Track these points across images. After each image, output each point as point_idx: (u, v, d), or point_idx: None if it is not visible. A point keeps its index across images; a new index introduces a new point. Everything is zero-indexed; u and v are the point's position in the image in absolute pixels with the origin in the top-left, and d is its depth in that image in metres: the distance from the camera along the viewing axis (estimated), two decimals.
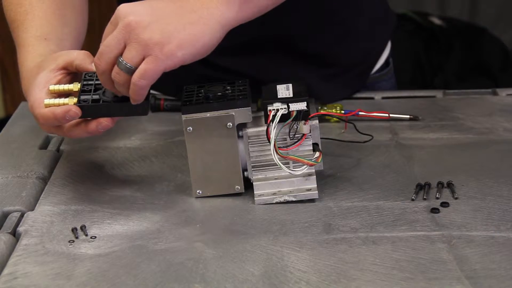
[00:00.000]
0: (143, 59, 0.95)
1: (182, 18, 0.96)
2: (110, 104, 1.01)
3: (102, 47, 0.96)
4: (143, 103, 1.00)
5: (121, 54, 0.96)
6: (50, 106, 1.01)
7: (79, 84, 1.04)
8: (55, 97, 1.03)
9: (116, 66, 0.96)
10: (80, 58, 1.05)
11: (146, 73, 0.95)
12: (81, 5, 1.23)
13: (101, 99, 1.02)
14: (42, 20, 1.15)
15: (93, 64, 1.02)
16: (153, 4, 0.97)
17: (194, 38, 0.96)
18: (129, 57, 0.95)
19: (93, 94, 1.02)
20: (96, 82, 1.03)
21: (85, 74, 1.05)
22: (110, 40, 0.96)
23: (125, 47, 0.95)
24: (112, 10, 1.45)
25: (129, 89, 0.97)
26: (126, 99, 1.00)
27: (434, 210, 1.01)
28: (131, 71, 0.96)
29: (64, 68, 1.06)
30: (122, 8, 0.96)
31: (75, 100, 1.02)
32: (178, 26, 0.95)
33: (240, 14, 0.99)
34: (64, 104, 1.01)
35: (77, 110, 1.00)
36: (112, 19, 0.97)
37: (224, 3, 0.97)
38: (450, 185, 1.06)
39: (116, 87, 0.98)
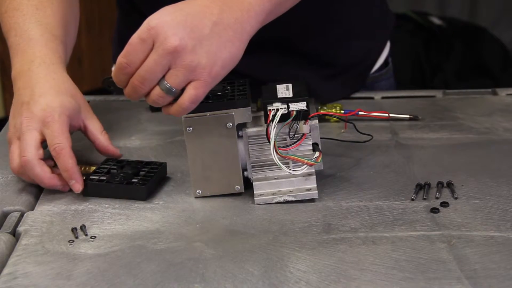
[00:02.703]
0: (189, 82, 0.95)
1: (221, 37, 0.95)
2: (112, 186, 1.06)
3: (144, 72, 0.94)
4: (144, 189, 1.05)
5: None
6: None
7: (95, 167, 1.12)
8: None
9: (158, 89, 0.96)
10: (104, 137, 1.13)
11: (197, 98, 0.96)
12: (76, 17, 1.23)
13: (106, 180, 1.07)
14: (54, 20, 1.15)
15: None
16: (187, 21, 0.94)
17: (233, 55, 0.97)
18: (176, 82, 0.95)
19: (101, 176, 1.08)
20: (112, 169, 1.10)
21: (105, 161, 1.12)
22: (153, 66, 0.94)
23: (167, 71, 0.95)
24: (112, 10, 1.45)
25: (173, 110, 0.97)
26: (128, 182, 1.06)
27: (434, 210, 1.01)
28: (176, 94, 0.96)
29: (79, 126, 1.12)
30: (160, 28, 0.93)
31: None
32: (219, 46, 0.95)
33: (263, 24, 1.01)
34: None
35: (80, 187, 1.06)
36: (144, 35, 0.94)
37: (252, 16, 0.98)
38: (450, 185, 1.06)
39: (152, 104, 0.98)
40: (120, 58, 0.96)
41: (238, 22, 0.97)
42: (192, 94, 0.95)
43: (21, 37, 1.13)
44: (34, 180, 1.06)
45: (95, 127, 1.12)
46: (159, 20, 0.94)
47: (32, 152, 1.04)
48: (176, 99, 0.97)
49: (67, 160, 1.04)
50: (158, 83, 0.95)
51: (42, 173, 1.05)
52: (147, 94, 0.97)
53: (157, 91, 0.96)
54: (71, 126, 1.09)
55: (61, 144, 1.05)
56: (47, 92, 1.08)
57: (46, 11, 1.15)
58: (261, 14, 0.99)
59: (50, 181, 1.05)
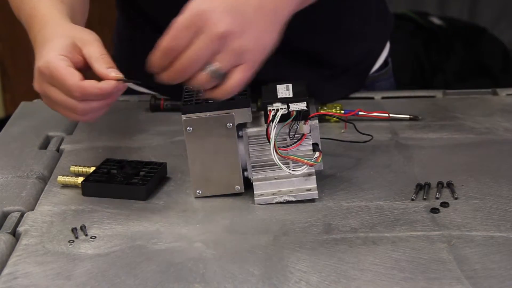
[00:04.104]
0: (235, 67, 0.95)
1: (263, 22, 0.96)
2: (112, 186, 1.06)
3: (193, 56, 0.94)
4: (144, 189, 1.05)
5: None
6: (61, 183, 1.09)
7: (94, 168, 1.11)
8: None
9: (204, 74, 0.95)
10: (99, 62, 1.03)
11: (242, 81, 0.96)
12: None
13: (106, 180, 1.07)
14: None
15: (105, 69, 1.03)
16: (233, 5, 0.95)
17: (273, 40, 0.98)
18: (224, 66, 0.94)
19: (101, 176, 1.08)
20: (112, 170, 1.09)
21: (104, 162, 1.11)
22: (203, 50, 0.93)
23: (216, 54, 0.95)
24: (112, 10, 1.45)
25: (218, 93, 0.97)
26: (129, 183, 1.06)
27: (434, 210, 1.01)
28: (222, 78, 0.95)
29: (79, 53, 1.04)
30: (207, 13, 0.93)
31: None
32: (262, 31, 0.96)
33: (295, 11, 1.01)
34: (74, 183, 1.08)
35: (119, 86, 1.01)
36: (191, 20, 0.94)
37: (289, 4, 1.00)
38: (450, 185, 1.06)
39: (194, 87, 0.98)
40: (165, 43, 0.95)
41: (277, 8, 0.98)
42: (239, 78, 0.95)
43: (26, 11, 1.13)
44: (60, 88, 1.01)
45: (90, 54, 1.03)
46: (206, 5, 0.94)
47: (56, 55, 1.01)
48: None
49: (89, 83, 1.00)
50: (204, 67, 0.95)
51: (66, 69, 1.00)
52: (190, 78, 0.96)
53: (203, 74, 0.95)
54: (74, 62, 1.03)
55: (73, 86, 1.00)
56: (39, 51, 1.04)
57: None
58: (295, 3, 1.00)
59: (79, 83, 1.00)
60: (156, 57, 0.96)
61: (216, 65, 0.94)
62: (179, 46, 0.94)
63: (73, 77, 0.99)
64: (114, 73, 1.02)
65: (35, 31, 1.08)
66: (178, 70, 0.95)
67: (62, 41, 1.03)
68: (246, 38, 0.94)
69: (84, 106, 1.01)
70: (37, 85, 1.04)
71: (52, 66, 1.00)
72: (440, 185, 1.06)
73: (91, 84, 1.00)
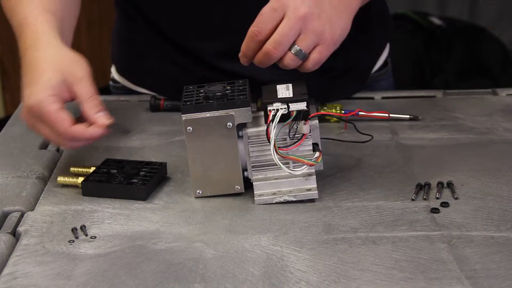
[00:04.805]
0: (314, 47, 1.05)
1: (337, 9, 1.07)
2: (112, 186, 1.06)
3: (279, 36, 1.03)
4: (144, 189, 1.05)
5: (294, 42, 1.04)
6: (61, 183, 1.09)
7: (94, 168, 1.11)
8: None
9: (290, 53, 1.04)
10: (89, 104, 1.07)
11: (321, 60, 1.06)
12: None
13: (106, 180, 1.07)
14: None
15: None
16: None
17: (347, 26, 1.08)
18: (305, 46, 1.04)
19: (101, 176, 1.08)
20: (112, 170, 1.09)
21: (104, 162, 1.11)
22: (288, 31, 1.03)
23: (298, 35, 1.04)
24: (112, 10, 1.45)
25: (300, 69, 1.07)
26: (128, 182, 1.06)
27: (434, 210, 1.01)
28: (306, 57, 1.05)
29: (69, 90, 1.07)
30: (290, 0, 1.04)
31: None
32: (337, 16, 1.06)
33: (362, 4, 1.12)
34: (75, 183, 1.08)
35: (98, 133, 1.06)
36: (276, 5, 1.04)
37: None
38: (450, 185, 1.06)
39: (282, 67, 1.06)
40: (252, 28, 1.05)
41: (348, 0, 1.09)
42: (316, 58, 1.05)
43: (17, 18, 1.15)
44: (50, 128, 1.05)
45: (80, 94, 1.08)
46: None
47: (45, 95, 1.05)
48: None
49: (77, 128, 1.05)
50: (290, 47, 1.04)
51: (58, 113, 1.05)
52: (279, 59, 1.05)
53: (289, 54, 1.04)
54: (62, 99, 1.07)
55: (63, 131, 1.05)
56: (30, 82, 1.07)
57: None
58: None
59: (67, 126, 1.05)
60: (246, 43, 1.06)
61: (299, 45, 1.04)
62: (265, 29, 1.04)
63: (64, 123, 1.05)
64: (103, 118, 1.07)
65: (25, 44, 1.11)
66: (266, 52, 1.04)
67: (53, 78, 1.06)
68: (323, 20, 1.05)
69: (71, 144, 1.07)
70: (26, 119, 1.08)
71: (44, 110, 1.04)
72: (440, 185, 1.06)
73: (80, 130, 1.05)
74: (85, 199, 1.06)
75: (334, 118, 1.27)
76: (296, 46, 1.04)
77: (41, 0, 1.15)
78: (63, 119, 1.04)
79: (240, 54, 1.07)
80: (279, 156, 1.00)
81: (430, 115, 1.30)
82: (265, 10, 1.05)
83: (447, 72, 2.64)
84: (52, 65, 1.07)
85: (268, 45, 1.04)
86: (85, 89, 1.07)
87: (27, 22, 1.12)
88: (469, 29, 2.75)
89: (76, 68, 1.08)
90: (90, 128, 1.06)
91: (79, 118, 1.08)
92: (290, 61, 1.05)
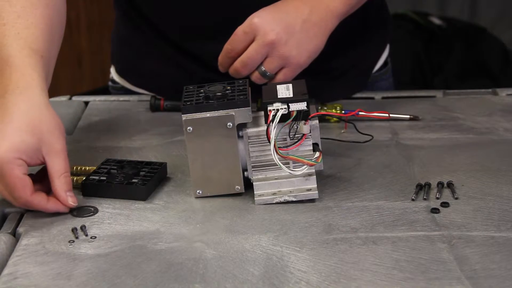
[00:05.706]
0: (281, 69, 1.17)
1: (308, 33, 1.16)
2: (112, 186, 1.06)
3: (246, 58, 1.16)
4: (144, 189, 1.05)
5: (260, 63, 1.16)
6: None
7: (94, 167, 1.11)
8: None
9: (257, 73, 1.17)
10: (61, 182, 1.02)
11: (286, 80, 1.16)
12: (62, 21, 1.16)
13: (106, 180, 1.07)
14: (36, 31, 1.08)
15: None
16: (283, 19, 1.15)
17: (317, 48, 1.18)
18: (271, 68, 1.16)
19: (101, 176, 1.08)
20: (112, 170, 1.09)
21: (104, 162, 1.11)
22: (254, 54, 1.15)
23: (265, 58, 1.16)
24: (112, 10, 1.45)
25: None
26: (128, 182, 1.06)
27: (434, 210, 1.01)
28: (271, 77, 1.17)
29: (40, 159, 1.01)
30: (260, 24, 1.14)
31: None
32: (307, 40, 1.16)
33: (339, 21, 1.20)
34: (75, 183, 1.07)
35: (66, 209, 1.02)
36: (246, 29, 1.15)
37: (334, 16, 1.19)
38: (450, 185, 1.06)
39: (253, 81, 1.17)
40: (226, 45, 1.17)
41: (323, 21, 1.18)
42: (281, 79, 1.17)
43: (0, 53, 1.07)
44: (8, 190, 1.00)
45: (54, 168, 1.01)
46: (260, 18, 1.15)
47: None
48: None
49: (37, 199, 1.00)
50: (257, 68, 1.17)
51: (20, 179, 0.99)
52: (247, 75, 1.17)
53: (256, 73, 1.17)
54: (29, 164, 1.01)
55: (21, 198, 1.00)
56: (6, 132, 0.99)
57: (28, 20, 1.07)
58: (341, 15, 1.19)
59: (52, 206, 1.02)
60: (221, 55, 1.19)
61: (265, 67, 1.16)
62: (237, 49, 1.16)
63: (24, 191, 0.99)
64: (71, 199, 1.01)
65: (7, 86, 1.02)
66: (235, 69, 1.18)
67: (27, 142, 0.99)
68: (290, 46, 1.15)
69: (25, 207, 1.02)
70: None
71: (7, 172, 0.98)
72: (440, 185, 1.06)
73: (39, 202, 1.00)
74: (85, 199, 1.06)
75: (334, 118, 1.27)
76: (262, 67, 1.16)
77: (29, 36, 1.06)
78: (25, 186, 0.98)
79: (218, 63, 1.19)
80: (279, 156, 1.00)
81: (430, 115, 1.30)
82: (238, 31, 1.15)
83: (447, 72, 2.64)
84: (31, 126, 1.00)
85: (237, 64, 1.17)
86: (59, 164, 1.01)
87: (12, 62, 1.04)
88: (469, 29, 2.75)
89: (54, 139, 1.01)
90: (51, 203, 1.01)
91: (41, 170, 1.03)
92: (256, 79, 1.18)
